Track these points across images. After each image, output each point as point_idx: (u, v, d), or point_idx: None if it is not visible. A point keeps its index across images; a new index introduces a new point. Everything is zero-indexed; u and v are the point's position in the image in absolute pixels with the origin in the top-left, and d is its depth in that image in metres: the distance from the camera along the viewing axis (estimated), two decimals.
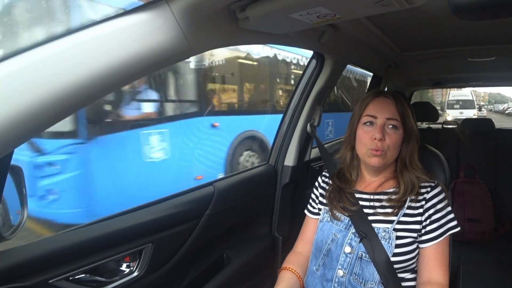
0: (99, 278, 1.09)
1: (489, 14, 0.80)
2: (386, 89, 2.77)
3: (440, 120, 3.87)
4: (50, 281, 0.97)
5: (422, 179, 1.25)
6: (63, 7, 3.49)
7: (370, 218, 1.22)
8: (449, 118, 12.97)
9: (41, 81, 0.65)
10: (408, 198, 1.21)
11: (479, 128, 3.28)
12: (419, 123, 2.87)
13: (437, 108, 3.29)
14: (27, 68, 0.66)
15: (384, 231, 1.19)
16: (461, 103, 20.39)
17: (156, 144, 4.27)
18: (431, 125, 3.66)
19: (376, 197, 1.26)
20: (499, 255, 2.46)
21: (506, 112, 31.62)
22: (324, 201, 1.37)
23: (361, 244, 1.20)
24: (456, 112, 18.19)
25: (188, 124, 4.73)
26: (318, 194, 1.43)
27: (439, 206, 1.21)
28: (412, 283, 1.22)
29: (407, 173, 1.25)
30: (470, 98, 20.81)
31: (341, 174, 1.38)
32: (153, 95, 4.42)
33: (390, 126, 1.23)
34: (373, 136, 1.22)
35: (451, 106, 20.59)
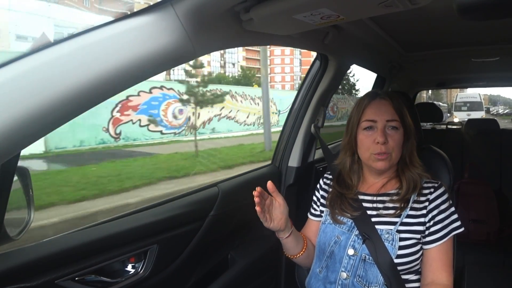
0: (105, 279, 1.10)
1: (493, 14, 0.80)
2: (390, 90, 2.77)
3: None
4: (56, 281, 0.97)
5: (424, 177, 1.25)
6: None
7: (373, 219, 1.22)
8: (455, 120, 12.83)
9: (47, 83, 0.66)
10: (411, 199, 1.21)
11: (484, 129, 3.27)
12: (423, 124, 2.87)
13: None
14: (33, 70, 0.66)
15: (387, 232, 1.19)
16: (468, 105, 20.05)
17: None
18: (435, 126, 3.65)
19: (379, 198, 1.26)
20: (504, 256, 2.45)
21: (491, 112, 37.14)
22: (326, 203, 1.36)
23: (364, 246, 1.20)
24: (464, 114, 17.86)
25: None
26: (319, 196, 1.42)
27: (442, 206, 1.20)
28: (416, 285, 1.22)
29: (408, 171, 1.24)
30: (478, 100, 20.47)
31: (340, 179, 1.36)
32: None
33: (391, 128, 1.22)
34: (376, 140, 1.21)
35: (458, 108, 20.26)
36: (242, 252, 1.57)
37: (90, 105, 0.73)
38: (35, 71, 0.66)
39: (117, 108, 11.99)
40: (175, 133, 13.85)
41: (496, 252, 2.51)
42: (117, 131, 12.04)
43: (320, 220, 1.36)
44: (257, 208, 1.12)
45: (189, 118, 14.15)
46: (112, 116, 11.88)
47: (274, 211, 1.19)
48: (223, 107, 16.10)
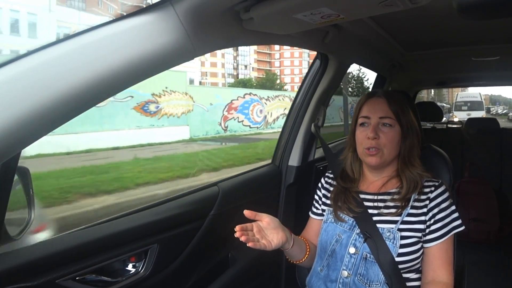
0: (105, 278, 1.10)
1: (493, 13, 0.80)
2: (390, 89, 2.77)
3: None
4: (57, 281, 0.97)
5: (424, 176, 1.25)
6: None
7: (374, 218, 1.23)
8: (455, 120, 12.77)
9: (48, 83, 0.66)
10: (412, 197, 1.21)
11: (484, 128, 3.27)
12: (423, 123, 2.87)
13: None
14: (34, 69, 0.66)
15: (389, 231, 1.19)
16: (469, 104, 19.95)
17: None
18: (435, 125, 3.65)
19: (380, 197, 1.26)
20: (504, 255, 2.45)
21: (491, 112, 38.69)
22: (328, 202, 1.37)
23: (365, 244, 1.20)
24: (464, 114, 17.71)
25: None
26: (321, 195, 1.43)
27: (443, 205, 1.21)
28: (417, 283, 1.22)
29: (408, 170, 1.25)
30: (479, 99, 20.36)
31: (344, 175, 1.38)
32: None
33: (384, 125, 1.24)
34: (367, 135, 1.24)
35: (458, 107, 20.15)
36: (243, 252, 1.57)
37: (90, 104, 0.73)
38: (35, 70, 0.66)
39: (226, 109, 17.59)
40: (257, 127, 19.14)
41: (497, 251, 2.52)
42: (226, 125, 17.52)
43: (322, 219, 1.37)
44: (250, 245, 1.07)
45: (265, 117, 19.67)
46: (223, 114, 17.44)
47: (267, 232, 1.15)
48: (285, 108, 20.59)
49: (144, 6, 0.78)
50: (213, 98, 17.22)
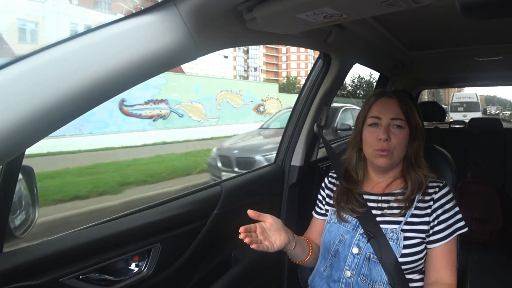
0: (109, 277, 1.10)
1: (496, 13, 0.80)
2: (393, 89, 2.77)
3: None
4: (60, 279, 0.97)
5: (429, 177, 1.24)
6: None
7: (378, 219, 1.22)
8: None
9: (51, 82, 0.66)
10: (416, 198, 1.21)
11: (487, 128, 3.26)
12: (426, 123, 2.86)
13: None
14: (38, 69, 0.66)
15: (392, 231, 1.19)
16: (465, 105, 19.86)
17: None
18: (438, 125, 3.64)
19: (384, 198, 1.26)
20: (508, 255, 2.44)
21: (487, 113, 40.50)
22: (331, 202, 1.36)
23: (368, 245, 1.20)
24: (460, 115, 17.59)
25: None
26: (325, 195, 1.43)
27: (447, 206, 1.20)
28: (420, 284, 1.22)
29: (413, 171, 1.24)
30: (475, 100, 20.24)
31: (347, 175, 1.37)
32: None
33: (395, 126, 1.23)
34: (378, 136, 1.22)
35: (454, 108, 20.03)
36: (245, 251, 1.57)
37: (94, 104, 0.73)
38: (39, 70, 0.66)
39: None
40: None
41: (499, 251, 2.51)
42: None
43: (325, 219, 1.36)
44: (253, 246, 1.07)
45: None
46: None
47: (270, 233, 1.15)
48: None
49: (143, 8, 0.78)
50: (292, 102, 22.56)
